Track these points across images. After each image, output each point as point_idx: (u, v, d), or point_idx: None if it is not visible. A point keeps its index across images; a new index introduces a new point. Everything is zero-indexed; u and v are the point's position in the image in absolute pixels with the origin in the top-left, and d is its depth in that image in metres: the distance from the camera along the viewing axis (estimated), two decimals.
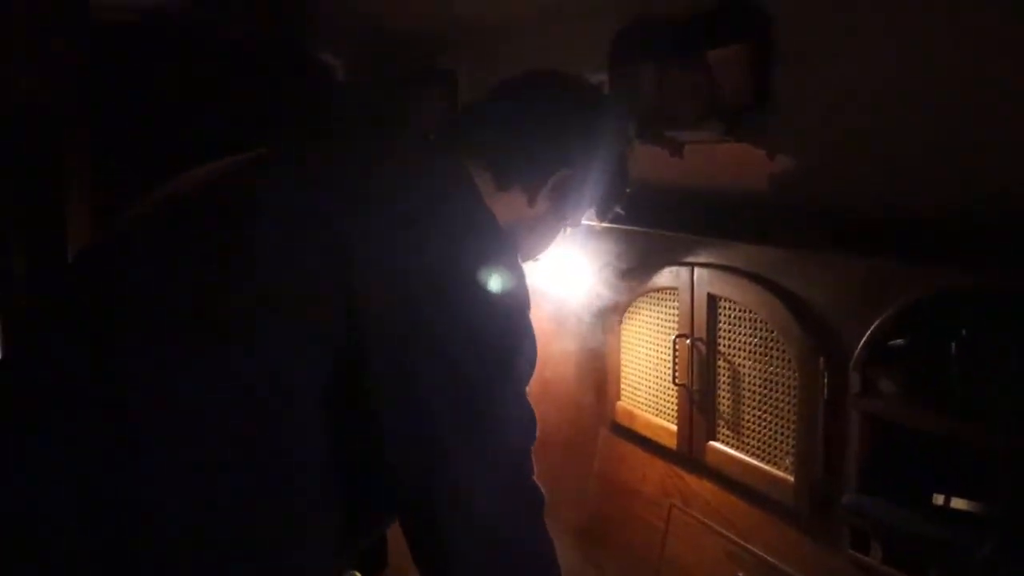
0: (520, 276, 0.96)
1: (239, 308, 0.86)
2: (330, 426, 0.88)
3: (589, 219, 1.25)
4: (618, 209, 1.23)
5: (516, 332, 0.93)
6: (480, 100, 1.16)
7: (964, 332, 1.18)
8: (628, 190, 1.22)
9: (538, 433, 0.98)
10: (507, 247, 0.98)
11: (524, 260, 1.18)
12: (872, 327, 1.31)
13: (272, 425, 0.86)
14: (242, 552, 0.86)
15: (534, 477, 0.96)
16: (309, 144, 1.06)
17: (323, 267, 0.88)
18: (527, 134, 1.08)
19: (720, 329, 1.66)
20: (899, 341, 1.28)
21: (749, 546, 1.62)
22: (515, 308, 0.94)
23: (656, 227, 1.65)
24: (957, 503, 1.24)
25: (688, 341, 1.71)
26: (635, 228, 1.64)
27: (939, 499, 1.25)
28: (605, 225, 1.30)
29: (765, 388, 1.57)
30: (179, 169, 1.06)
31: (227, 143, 1.13)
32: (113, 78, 2.03)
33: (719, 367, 1.68)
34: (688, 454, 1.77)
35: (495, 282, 0.91)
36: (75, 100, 1.94)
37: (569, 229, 1.21)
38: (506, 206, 1.07)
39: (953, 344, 1.19)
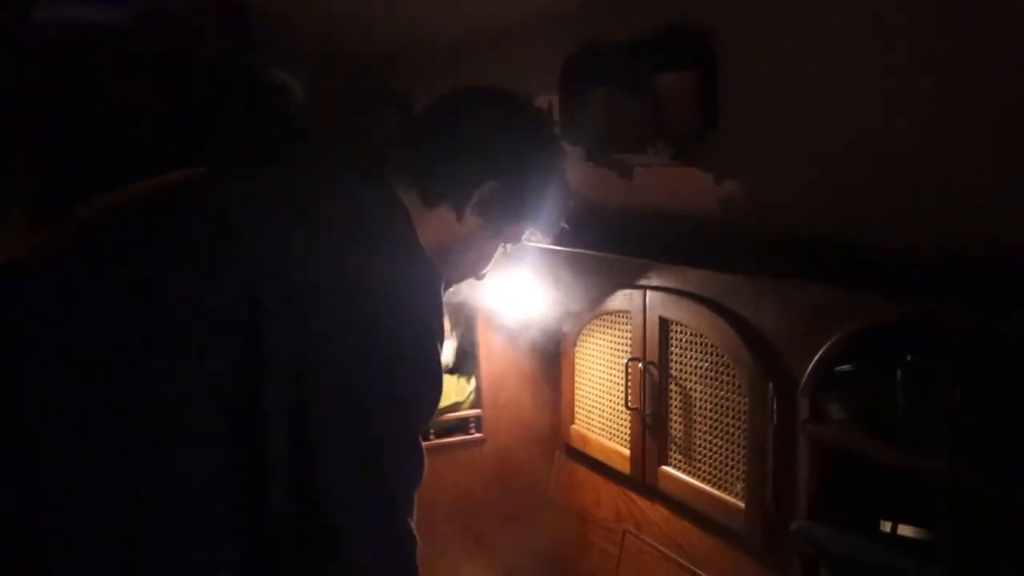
0: (434, 304, 0.94)
1: (146, 341, 0.84)
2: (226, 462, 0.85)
3: (535, 238, 1.22)
4: (563, 224, 1.21)
5: (420, 365, 0.91)
6: (411, 120, 1.14)
7: (909, 358, 1.18)
8: (570, 203, 1.18)
9: (494, 456, 0.96)
10: (423, 270, 0.96)
11: (461, 280, 1.15)
12: (820, 353, 1.30)
13: (172, 452, 0.84)
14: None
15: (411, 520, 0.93)
16: (236, 167, 1.03)
17: (232, 297, 0.85)
18: (448, 147, 1.05)
19: (672, 353, 1.65)
20: (846, 367, 1.28)
21: (701, 573, 1.60)
22: (423, 339, 0.91)
23: (608, 250, 1.63)
24: (904, 530, 1.24)
25: (640, 365, 1.70)
26: (587, 251, 1.63)
27: (887, 526, 1.25)
28: (557, 248, 1.28)
29: (716, 413, 1.56)
30: (121, 183, 1.03)
31: (174, 159, 1.10)
32: (56, 95, 1.98)
33: (671, 391, 1.66)
34: (641, 479, 1.75)
35: (406, 309, 0.88)
36: (15, 116, 1.89)
37: (509, 247, 1.19)
38: (436, 224, 1.05)
39: (899, 371, 1.19)
